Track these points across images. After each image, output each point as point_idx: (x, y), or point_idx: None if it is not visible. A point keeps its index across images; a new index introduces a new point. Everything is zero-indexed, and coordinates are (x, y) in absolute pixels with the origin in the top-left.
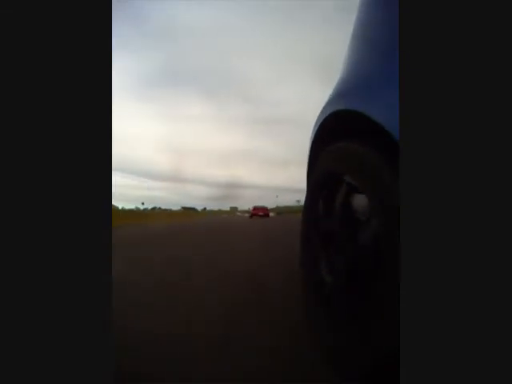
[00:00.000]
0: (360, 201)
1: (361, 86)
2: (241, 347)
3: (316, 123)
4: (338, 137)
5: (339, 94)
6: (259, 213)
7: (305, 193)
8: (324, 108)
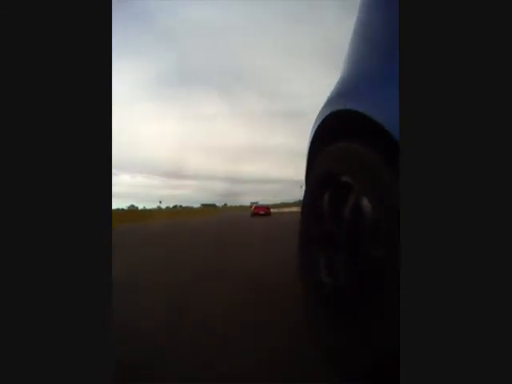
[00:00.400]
0: (360, 201)
1: (361, 85)
2: None
3: (315, 123)
4: (338, 136)
5: (339, 94)
6: (260, 211)
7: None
8: (323, 108)
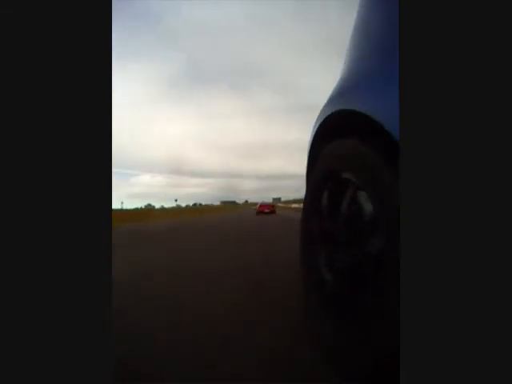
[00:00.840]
0: (360, 199)
1: (361, 85)
2: None
3: (316, 122)
4: (339, 136)
5: (340, 94)
6: (265, 209)
7: None
8: (325, 107)
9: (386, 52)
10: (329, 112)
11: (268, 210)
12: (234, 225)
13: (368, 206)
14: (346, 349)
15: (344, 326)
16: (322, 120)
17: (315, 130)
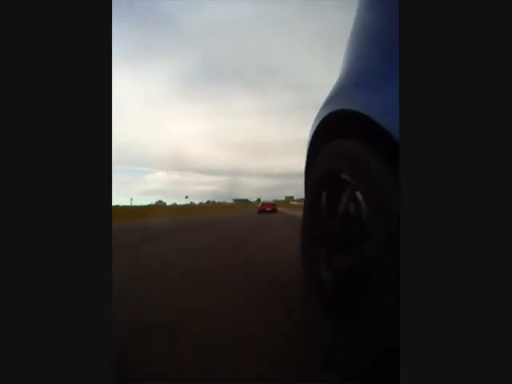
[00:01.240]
0: (360, 200)
1: (360, 85)
2: None
3: (315, 122)
4: (338, 136)
5: (339, 93)
6: (267, 208)
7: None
8: (323, 106)
9: (386, 51)
10: (328, 111)
11: (269, 208)
12: (248, 220)
13: (368, 206)
14: (346, 349)
15: (344, 326)
16: (320, 119)
17: (314, 129)
